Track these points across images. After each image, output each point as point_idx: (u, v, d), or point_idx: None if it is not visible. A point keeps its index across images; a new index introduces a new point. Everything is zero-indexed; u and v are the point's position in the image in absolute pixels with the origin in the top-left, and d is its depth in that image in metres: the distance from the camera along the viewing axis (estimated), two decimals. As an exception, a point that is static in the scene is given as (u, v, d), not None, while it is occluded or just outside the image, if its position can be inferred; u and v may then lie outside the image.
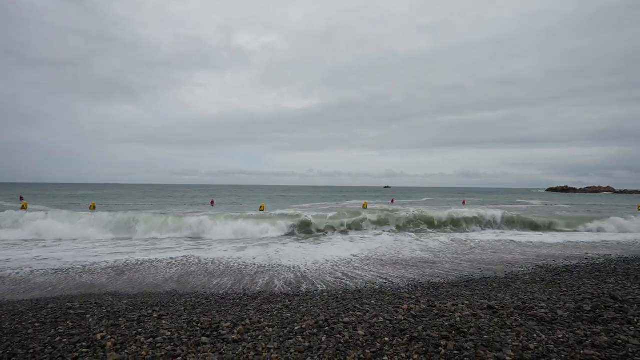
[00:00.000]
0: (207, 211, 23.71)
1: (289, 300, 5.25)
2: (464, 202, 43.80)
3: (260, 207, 27.19)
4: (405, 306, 4.68)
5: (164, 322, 4.21)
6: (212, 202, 36.72)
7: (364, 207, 28.32)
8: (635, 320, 3.95)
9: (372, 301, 5.08)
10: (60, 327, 4.02)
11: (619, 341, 3.35)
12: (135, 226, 13.74)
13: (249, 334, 3.76)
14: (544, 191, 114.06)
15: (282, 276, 7.26)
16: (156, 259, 8.94)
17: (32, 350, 3.37)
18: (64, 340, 3.62)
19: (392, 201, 43.05)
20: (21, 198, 29.71)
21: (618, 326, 3.78)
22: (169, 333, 3.79)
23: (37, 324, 4.14)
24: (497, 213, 18.02)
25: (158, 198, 42.79)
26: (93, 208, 25.95)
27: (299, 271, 7.76)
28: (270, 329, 3.89)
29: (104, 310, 4.72)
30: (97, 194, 49.67)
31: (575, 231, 16.02)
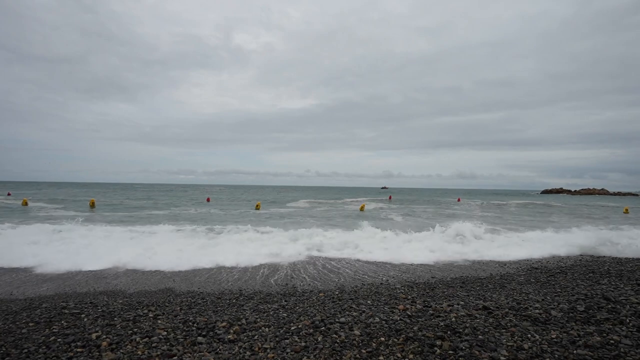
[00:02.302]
0: (204, 207, 23.65)
1: (285, 300, 5.26)
2: (459, 199, 44.34)
3: (257, 205, 27.22)
4: (401, 306, 4.71)
5: (159, 321, 4.19)
6: (208, 199, 36.98)
7: (361, 209, 27.71)
8: (628, 320, 4.00)
9: (368, 301, 5.10)
10: (54, 327, 3.99)
11: (612, 341, 3.39)
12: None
13: (245, 333, 3.76)
14: (538, 193, 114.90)
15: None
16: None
17: (26, 350, 3.35)
18: (58, 340, 3.60)
19: (390, 198, 43.39)
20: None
21: (610, 326, 3.82)
22: (165, 333, 3.78)
23: (31, 324, 4.11)
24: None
25: (157, 197, 42.57)
26: (92, 205, 25.92)
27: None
28: (267, 329, 3.89)
29: (99, 310, 4.69)
30: (92, 193, 49.27)
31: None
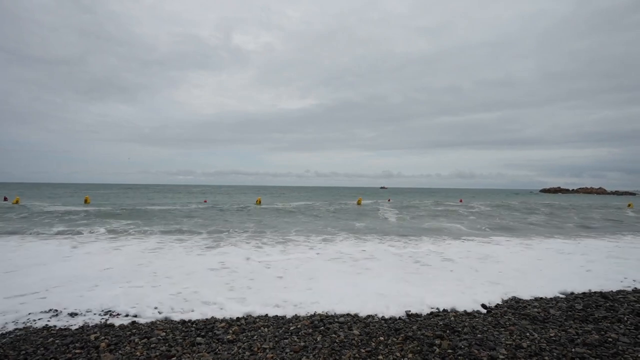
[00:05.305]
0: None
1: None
2: (460, 200, 44.48)
3: (257, 200, 27.45)
4: (400, 306, 4.71)
5: (158, 322, 4.18)
6: (205, 201, 37.05)
7: (359, 203, 28.04)
8: (625, 318, 4.02)
9: (367, 301, 5.09)
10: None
11: (610, 339, 3.41)
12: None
13: (244, 334, 3.76)
14: (537, 192, 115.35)
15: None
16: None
17: (24, 352, 3.33)
18: (56, 341, 3.58)
19: (389, 200, 43.42)
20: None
21: (608, 324, 3.84)
22: (164, 333, 3.77)
23: (29, 325, 4.09)
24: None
25: (156, 197, 42.49)
26: (87, 202, 26.05)
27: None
28: (266, 329, 3.89)
29: (98, 311, 4.67)
30: (91, 195, 49.08)
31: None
